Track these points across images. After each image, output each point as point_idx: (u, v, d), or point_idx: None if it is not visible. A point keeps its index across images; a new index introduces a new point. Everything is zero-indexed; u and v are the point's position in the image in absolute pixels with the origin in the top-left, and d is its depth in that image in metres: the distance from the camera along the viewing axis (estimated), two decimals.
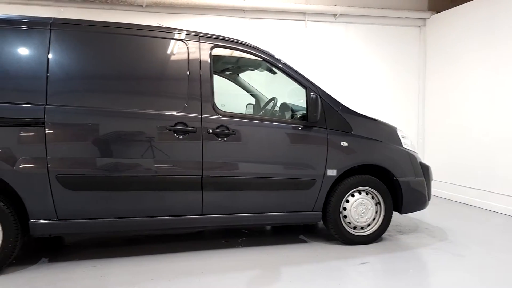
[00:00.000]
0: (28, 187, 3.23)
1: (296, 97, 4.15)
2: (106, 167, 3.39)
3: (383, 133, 4.27)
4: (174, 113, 3.54)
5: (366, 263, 3.65)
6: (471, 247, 4.11)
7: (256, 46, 3.99)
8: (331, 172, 3.96)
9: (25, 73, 3.28)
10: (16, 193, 3.22)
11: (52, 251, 3.94)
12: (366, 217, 4.12)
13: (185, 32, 3.73)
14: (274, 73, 4.27)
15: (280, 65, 4.00)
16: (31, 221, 3.28)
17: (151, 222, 3.58)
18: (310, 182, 3.92)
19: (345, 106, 4.14)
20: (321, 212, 4.03)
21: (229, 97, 4.96)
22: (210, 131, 3.60)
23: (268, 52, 4.02)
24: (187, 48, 3.68)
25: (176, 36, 3.71)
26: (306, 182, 3.91)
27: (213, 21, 6.56)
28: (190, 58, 3.66)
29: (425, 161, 4.85)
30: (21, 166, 3.19)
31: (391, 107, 7.31)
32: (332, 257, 3.80)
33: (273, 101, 4.37)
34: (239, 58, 4.51)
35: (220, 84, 4.66)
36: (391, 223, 4.30)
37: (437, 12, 7.23)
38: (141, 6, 6.24)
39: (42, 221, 3.30)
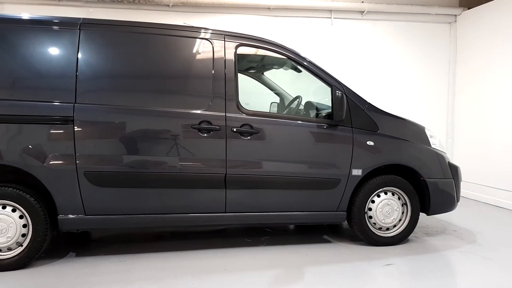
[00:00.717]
0: (57, 183, 3.32)
1: (321, 95, 4.11)
2: (132, 164, 3.45)
3: (411, 133, 4.18)
4: (198, 111, 3.57)
5: (391, 264, 3.58)
6: (500, 250, 3.98)
7: (281, 44, 3.97)
8: (357, 172, 3.90)
9: (56, 73, 3.38)
10: (46, 189, 3.32)
11: (80, 245, 4.05)
12: (392, 218, 4.05)
13: (210, 31, 3.75)
14: (299, 71, 4.24)
15: (305, 63, 3.97)
16: (60, 216, 3.38)
17: (175, 219, 3.62)
18: (335, 181, 3.87)
19: (371, 105, 4.07)
20: (345, 212, 3.98)
21: (253, 95, 4.95)
22: (234, 129, 3.60)
23: (293, 50, 3.99)
24: (212, 47, 3.69)
25: (202, 35, 3.73)
26: (331, 182, 3.87)
27: (238, 19, 6.57)
28: (215, 57, 3.68)
29: (454, 161, 4.71)
30: (51, 162, 3.28)
31: (419, 106, 7.14)
32: (356, 257, 3.74)
33: (297, 100, 4.34)
34: (264, 56, 4.50)
35: (245, 82, 4.67)
36: (418, 224, 4.20)
37: (469, 8, 6.99)
38: (168, 5, 6.32)
39: (71, 216, 3.40)
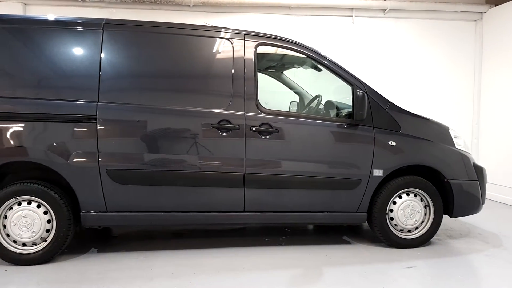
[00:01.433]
0: (80, 180, 3.39)
1: (342, 94, 4.07)
2: (153, 162, 3.49)
3: (434, 133, 4.09)
4: (218, 110, 3.59)
5: (413, 267, 3.52)
6: None
7: (301, 43, 3.95)
8: (378, 172, 3.85)
9: (79, 72, 3.46)
10: (70, 186, 3.40)
11: (101, 241, 4.13)
12: (414, 219, 3.97)
13: (230, 31, 3.76)
14: (319, 70, 4.20)
15: (325, 62, 3.93)
16: (83, 213, 3.45)
17: (194, 217, 3.65)
18: (355, 182, 3.83)
19: (393, 104, 4.01)
20: (366, 213, 3.92)
21: (272, 94, 4.94)
22: (253, 128, 3.60)
23: (313, 49, 3.96)
24: (232, 46, 3.70)
25: (222, 34, 3.75)
26: (351, 182, 3.83)
27: (258, 19, 6.57)
28: (234, 56, 3.69)
29: (479, 162, 4.60)
30: (74, 160, 3.36)
31: (444, 106, 6.98)
32: (377, 259, 3.69)
33: (317, 99, 4.31)
34: (284, 55, 4.48)
35: (264, 81, 4.66)
36: (441, 227, 4.11)
37: (496, 5, 6.80)
38: (188, 5, 6.37)
39: (93, 212, 3.47)
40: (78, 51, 3.50)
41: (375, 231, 3.99)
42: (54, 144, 3.34)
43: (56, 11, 5.99)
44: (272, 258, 3.69)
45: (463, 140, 4.29)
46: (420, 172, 4.04)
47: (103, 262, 3.49)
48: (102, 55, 3.47)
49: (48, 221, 3.38)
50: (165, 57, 3.67)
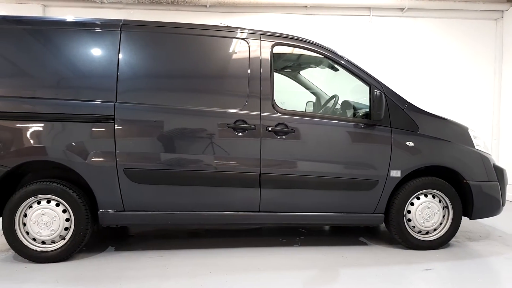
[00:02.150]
0: (98, 179, 3.44)
1: (359, 94, 4.02)
2: (169, 162, 3.52)
3: (453, 133, 4.02)
4: (234, 110, 3.59)
5: (431, 269, 3.46)
6: None
7: (317, 43, 3.92)
8: (395, 173, 3.80)
9: (97, 73, 3.50)
10: (88, 185, 3.44)
11: (118, 240, 4.17)
12: (432, 221, 3.91)
13: (246, 31, 3.77)
14: (336, 70, 4.17)
15: (342, 62, 3.90)
16: (100, 211, 3.50)
17: (210, 216, 3.66)
18: (372, 182, 3.78)
19: (411, 104, 3.95)
20: (383, 215, 3.88)
21: (289, 94, 4.93)
22: (269, 128, 3.60)
23: (330, 48, 3.93)
24: (248, 46, 3.70)
25: (238, 35, 3.75)
26: (368, 183, 3.79)
27: (275, 18, 6.56)
28: (251, 56, 3.69)
29: (499, 163, 4.50)
30: (92, 159, 3.40)
31: (464, 106, 6.87)
32: (394, 261, 3.64)
33: (334, 99, 4.28)
34: (300, 55, 4.47)
35: (280, 81, 4.65)
36: (460, 228, 4.03)
37: None
38: (205, 6, 6.41)
39: (110, 211, 3.51)
40: (96, 51, 3.54)
41: (392, 232, 3.94)
42: (73, 143, 3.39)
43: (75, 12, 6.10)
44: (288, 258, 3.67)
45: (483, 140, 4.21)
46: (438, 173, 3.97)
47: (120, 261, 3.52)
48: (120, 56, 3.50)
49: (67, 220, 3.43)
50: (182, 57, 3.69)
